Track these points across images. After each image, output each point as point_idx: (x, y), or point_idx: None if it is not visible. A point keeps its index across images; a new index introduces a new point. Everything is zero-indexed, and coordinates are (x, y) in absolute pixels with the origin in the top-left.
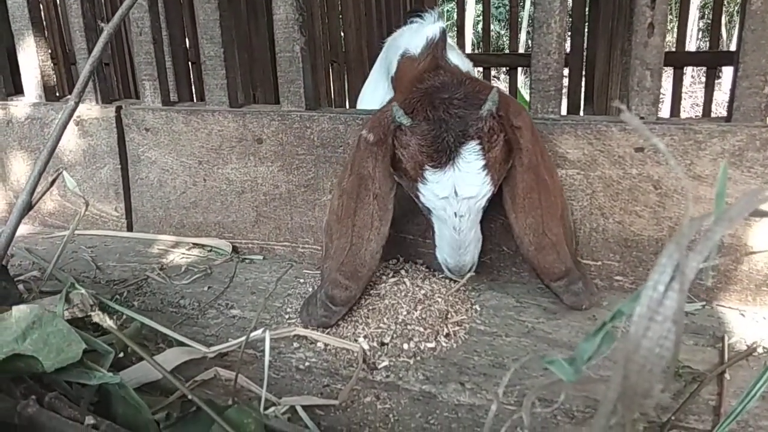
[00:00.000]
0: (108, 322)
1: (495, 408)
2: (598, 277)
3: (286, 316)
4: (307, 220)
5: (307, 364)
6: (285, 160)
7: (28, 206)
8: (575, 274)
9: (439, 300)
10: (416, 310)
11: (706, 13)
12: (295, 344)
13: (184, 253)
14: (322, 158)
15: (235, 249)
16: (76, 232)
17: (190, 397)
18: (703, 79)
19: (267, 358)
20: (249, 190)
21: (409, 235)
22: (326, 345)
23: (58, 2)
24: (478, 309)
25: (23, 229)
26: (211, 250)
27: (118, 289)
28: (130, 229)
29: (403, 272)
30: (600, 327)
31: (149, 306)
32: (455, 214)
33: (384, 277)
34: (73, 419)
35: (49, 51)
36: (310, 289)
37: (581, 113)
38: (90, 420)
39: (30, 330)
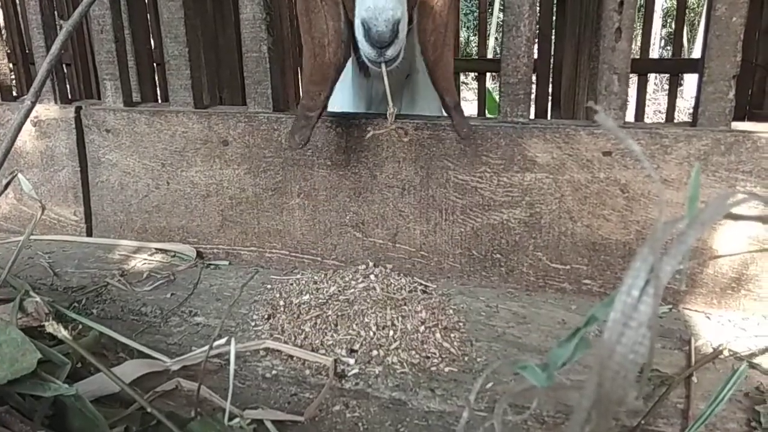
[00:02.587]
0: (63, 332)
1: (467, 415)
2: (566, 281)
3: (252, 323)
4: (275, 225)
5: (274, 372)
6: (252, 163)
7: None
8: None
9: (409, 305)
10: (386, 316)
11: (668, 21)
12: (262, 352)
13: (146, 259)
14: (290, 161)
15: (199, 254)
16: (33, 237)
17: (150, 410)
18: (666, 87)
19: (232, 369)
20: (214, 194)
21: (378, 240)
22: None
23: (17, 0)
24: (449, 314)
25: None
26: (174, 256)
27: (77, 296)
28: (89, 234)
29: (372, 277)
30: (574, 332)
31: (109, 314)
32: None
33: (353, 282)
34: None
35: (7, 50)
36: (278, 295)
37: (549, 118)
38: None
39: None
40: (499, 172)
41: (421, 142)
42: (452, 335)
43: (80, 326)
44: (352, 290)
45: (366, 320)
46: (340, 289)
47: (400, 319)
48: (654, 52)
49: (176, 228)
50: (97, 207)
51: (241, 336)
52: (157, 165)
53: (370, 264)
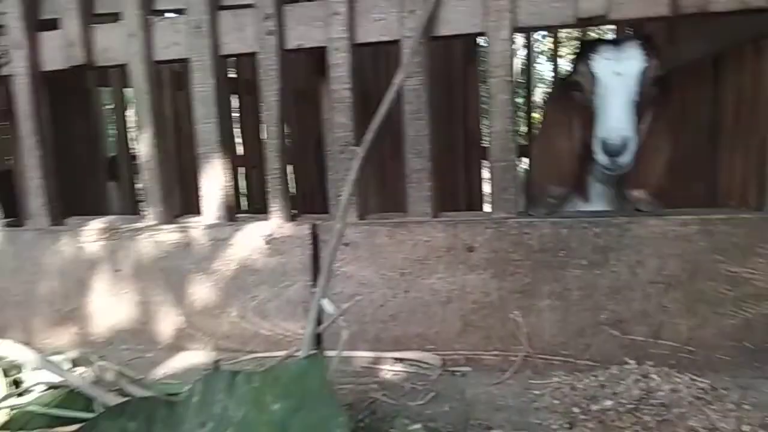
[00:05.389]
0: None
1: None
2: None
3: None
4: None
5: None
6: (498, 267)
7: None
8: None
9: (716, 404)
10: (708, 418)
11: None
12: None
13: (391, 370)
14: (541, 263)
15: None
16: (259, 355)
17: None
18: None
19: None
20: (456, 300)
21: (639, 337)
22: None
23: None
24: (748, 409)
25: (203, 357)
26: (412, 365)
27: (355, 415)
28: (318, 347)
29: (656, 377)
30: None
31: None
32: None
33: (641, 384)
34: None
35: None
36: (557, 401)
37: None
38: None
39: None
40: None
41: (688, 238)
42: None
43: None
44: (662, 392)
45: (690, 423)
46: (644, 392)
47: (720, 420)
48: None
49: (413, 336)
50: (329, 319)
51: None
52: (396, 274)
53: (632, 362)
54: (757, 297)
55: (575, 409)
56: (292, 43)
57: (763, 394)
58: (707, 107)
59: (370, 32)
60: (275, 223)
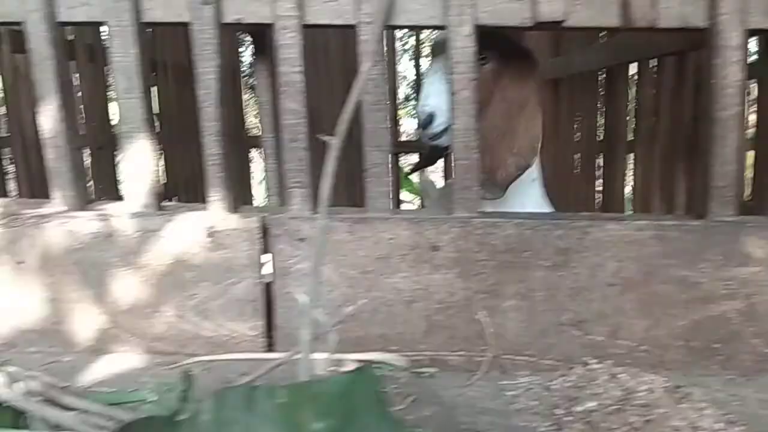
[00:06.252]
0: None
1: None
2: None
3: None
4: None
5: None
6: (462, 267)
7: None
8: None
9: (688, 402)
10: (687, 417)
11: None
12: None
13: None
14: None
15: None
16: (206, 358)
17: None
18: None
19: None
20: (420, 299)
21: (598, 337)
22: None
23: None
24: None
25: (134, 361)
26: (375, 367)
27: None
28: (269, 349)
29: (622, 377)
30: None
31: None
32: None
33: (606, 384)
34: None
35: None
36: (536, 402)
37: None
38: None
39: None
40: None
41: (643, 242)
42: (737, 429)
43: None
44: (640, 393)
45: (674, 423)
46: (624, 393)
47: (696, 418)
48: None
49: (375, 337)
50: (282, 320)
51: None
52: (357, 273)
53: (593, 362)
54: (704, 300)
55: (558, 411)
56: (230, 17)
57: (715, 390)
58: (599, 117)
59: (321, 14)
60: (217, 215)
